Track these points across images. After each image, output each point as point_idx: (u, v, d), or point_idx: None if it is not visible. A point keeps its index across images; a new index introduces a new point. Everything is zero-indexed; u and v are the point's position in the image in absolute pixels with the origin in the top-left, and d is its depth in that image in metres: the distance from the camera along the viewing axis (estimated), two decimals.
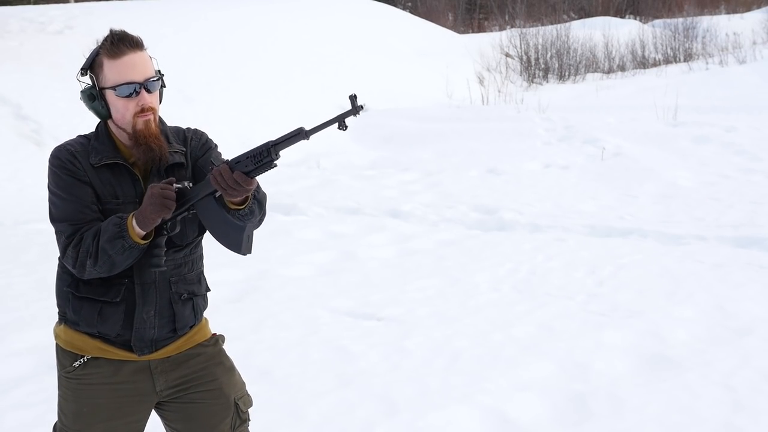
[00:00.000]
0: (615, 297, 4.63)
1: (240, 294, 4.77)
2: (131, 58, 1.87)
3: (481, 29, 32.00)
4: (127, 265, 1.85)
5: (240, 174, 1.77)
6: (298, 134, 1.76)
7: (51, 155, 1.92)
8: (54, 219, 1.89)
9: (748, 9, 31.61)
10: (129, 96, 1.87)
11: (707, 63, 19.08)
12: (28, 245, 5.89)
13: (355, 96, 1.74)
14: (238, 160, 1.79)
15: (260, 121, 10.66)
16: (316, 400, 3.35)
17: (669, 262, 5.27)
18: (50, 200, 1.91)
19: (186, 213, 1.89)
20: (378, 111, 12.53)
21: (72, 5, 14.88)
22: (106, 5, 15.80)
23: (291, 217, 6.85)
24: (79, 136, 1.97)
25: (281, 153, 1.80)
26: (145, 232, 1.82)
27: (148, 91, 1.89)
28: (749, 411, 3.19)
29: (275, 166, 1.80)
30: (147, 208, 1.80)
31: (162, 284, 1.94)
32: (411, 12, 29.76)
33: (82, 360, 1.95)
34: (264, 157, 1.78)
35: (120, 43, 1.86)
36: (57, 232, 1.90)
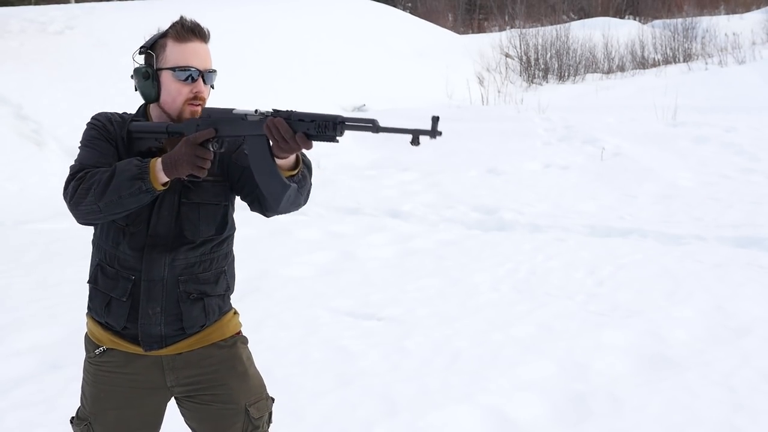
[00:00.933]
0: (615, 297, 4.64)
1: (240, 294, 4.75)
2: (197, 46, 1.92)
3: (480, 30, 32.01)
4: (130, 209, 1.82)
5: (302, 137, 1.71)
6: (370, 125, 1.70)
7: (92, 117, 1.96)
8: (72, 165, 1.89)
9: (748, 9, 31.61)
10: (185, 80, 1.90)
11: (707, 63, 19.09)
12: (29, 245, 5.89)
13: (437, 118, 1.69)
14: (300, 118, 1.73)
15: None
16: (316, 400, 3.35)
17: (669, 262, 5.27)
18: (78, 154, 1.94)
19: (236, 142, 1.87)
20: (378, 111, 12.54)
21: (72, 5, 14.88)
22: (107, 5, 15.81)
23: (291, 217, 6.85)
24: (122, 113, 2.01)
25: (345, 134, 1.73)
26: (168, 180, 1.80)
27: (205, 81, 1.93)
28: (749, 411, 3.20)
29: (336, 141, 1.73)
30: (180, 161, 1.77)
31: (170, 282, 1.94)
32: (411, 12, 29.77)
33: (102, 348, 1.99)
34: (328, 129, 1.71)
35: (191, 30, 1.91)
36: (69, 175, 1.88)
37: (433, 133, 1.70)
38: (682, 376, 3.53)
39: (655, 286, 4.79)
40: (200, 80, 1.92)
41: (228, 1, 16.38)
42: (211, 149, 1.83)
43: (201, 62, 1.92)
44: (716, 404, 3.25)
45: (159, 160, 1.79)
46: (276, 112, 1.76)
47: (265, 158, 1.79)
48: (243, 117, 1.81)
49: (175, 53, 1.90)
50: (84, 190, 1.79)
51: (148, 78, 1.92)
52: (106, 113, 1.98)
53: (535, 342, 3.97)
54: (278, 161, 1.79)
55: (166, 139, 1.90)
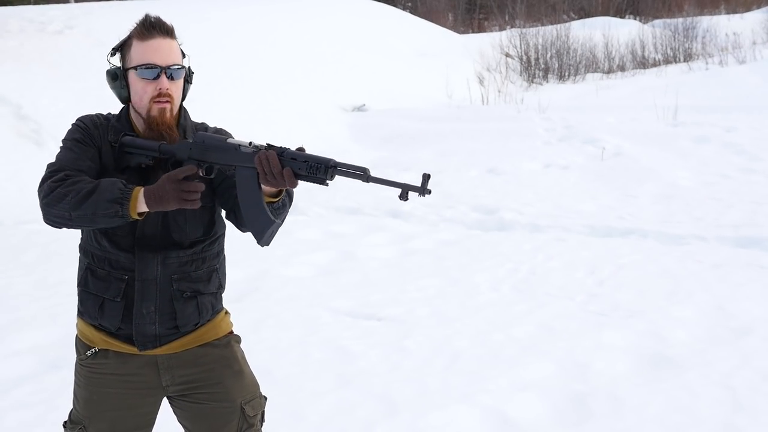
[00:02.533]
0: (615, 297, 4.63)
1: (240, 294, 4.77)
2: (159, 42, 1.90)
3: (481, 29, 31.99)
4: (99, 227, 1.85)
5: (290, 172, 1.74)
6: (360, 173, 1.72)
7: (76, 119, 1.97)
8: (51, 164, 1.89)
9: (748, 9, 31.57)
10: (148, 78, 1.89)
11: (707, 63, 19.06)
12: (28, 245, 5.89)
13: (428, 176, 1.70)
14: (293, 157, 1.76)
15: (260, 121, 10.66)
16: (316, 400, 3.35)
17: (669, 262, 5.27)
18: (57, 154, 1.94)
19: (227, 171, 1.87)
20: (378, 111, 12.54)
21: (72, 5, 14.89)
22: (106, 5, 15.80)
23: (291, 217, 6.81)
24: (106, 114, 2.00)
25: (336, 178, 1.75)
26: (146, 211, 1.80)
27: (170, 77, 1.90)
28: (749, 411, 3.20)
29: (326, 185, 1.76)
30: (166, 198, 1.76)
31: (163, 281, 1.94)
32: (411, 12, 29.76)
33: (94, 350, 1.99)
34: (319, 171, 1.74)
35: (152, 27, 1.90)
36: (47, 172, 1.87)
37: (423, 191, 1.70)
38: (682, 376, 3.53)
39: (656, 286, 4.79)
40: (163, 77, 1.89)
41: (228, 1, 16.38)
42: (201, 174, 1.85)
43: (163, 58, 1.89)
44: (716, 404, 3.25)
45: (142, 191, 1.79)
46: (269, 147, 1.79)
47: (253, 191, 1.82)
48: (236, 147, 1.84)
49: (138, 52, 1.89)
50: (60, 195, 1.79)
51: (116, 79, 1.94)
52: (91, 116, 1.98)
53: (535, 342, 3.97)
54: (263, 187, 1.81)
55: (156, 158, 1.89)
